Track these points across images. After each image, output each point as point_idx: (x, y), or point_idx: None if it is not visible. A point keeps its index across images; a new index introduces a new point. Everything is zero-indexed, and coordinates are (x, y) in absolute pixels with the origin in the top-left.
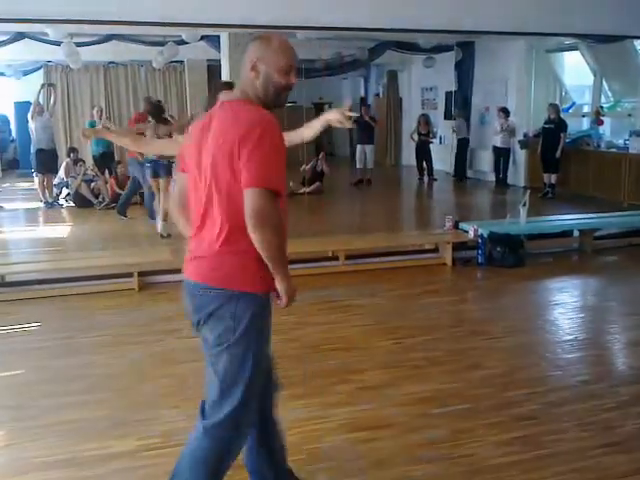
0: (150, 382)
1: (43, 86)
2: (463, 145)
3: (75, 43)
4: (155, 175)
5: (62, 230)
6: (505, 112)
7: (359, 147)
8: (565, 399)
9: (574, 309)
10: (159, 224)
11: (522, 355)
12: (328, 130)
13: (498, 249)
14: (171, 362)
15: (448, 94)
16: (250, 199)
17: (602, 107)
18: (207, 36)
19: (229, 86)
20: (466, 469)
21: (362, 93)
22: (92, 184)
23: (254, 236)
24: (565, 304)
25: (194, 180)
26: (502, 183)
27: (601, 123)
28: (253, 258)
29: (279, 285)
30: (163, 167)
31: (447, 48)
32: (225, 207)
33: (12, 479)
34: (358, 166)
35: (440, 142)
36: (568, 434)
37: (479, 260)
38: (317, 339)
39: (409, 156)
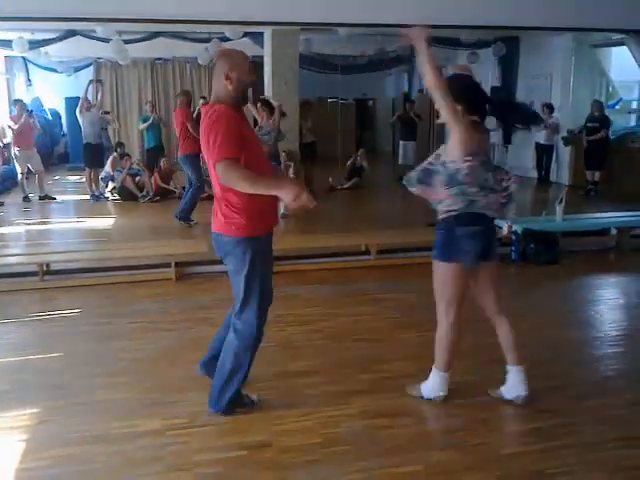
0: (180, 367)
1: (91, 82)
2: None
3: (123, 40)
4: None
5: (106, 222)
6: (549, 108)
7: (401, 143)
8: (585, 394)
9: (605, 307)
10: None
11: (547, 350)
12: (371, 126)
13: (532, 246)
14: (202, 348)
15: (492, 89)
16: (218, 172)
17: None
18: (251, 33)
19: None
20: (478, 457)
21: (406, 89)
22: (137, 178)
23: (236, 189)
24: (596, 301)
25: None
26: (544, 180)
27: None
28: (242, 212)
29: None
30: None
31: (490, 43)
32: (215, 178)
33: (50, 451)
34: (400, 162)
35: None
36: (583, 427)
37: (513, 257)
38: (344, 330)
39: None
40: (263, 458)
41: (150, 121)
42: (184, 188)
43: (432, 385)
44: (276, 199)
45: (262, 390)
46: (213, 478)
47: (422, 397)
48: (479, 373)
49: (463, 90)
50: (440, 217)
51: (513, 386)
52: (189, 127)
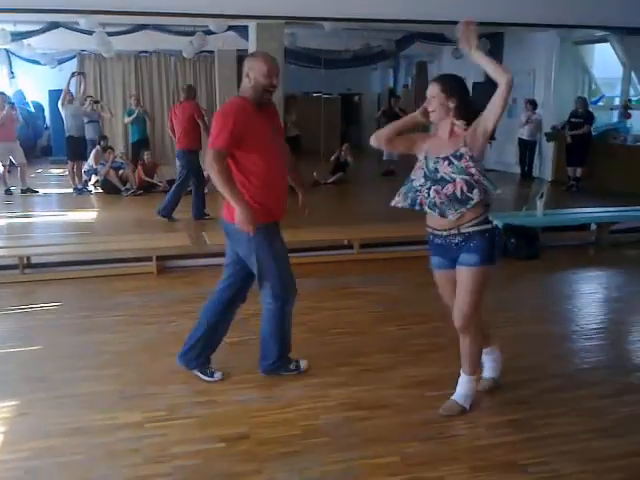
0: (161, 360)
1: (73, 74)
2: None
3: (107, 33)
4: None
5: (89, 215)
6: (532, 104)
7: None
8: (560, 386)
9: (583, 301)
10: None
11: (524, 343)
12: (356, 121)
13: (513, 241)
14: (182, 342)
15: (477, 85)
16: (206, 156)
17: (630, 100)
18: (235, 26)
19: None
20: (454, 448)
21: (391, 84)
22: (120, 171)
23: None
24: (575, 296)
25: None
26: (527, 176)
27: (629, 116)
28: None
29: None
30: None
31: None
32: None
33: (29, 443)
34: (385, 158)
35: None
36: (559, 419)
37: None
38: (326, 324)
39: None
40: (241, 450)
41: (135, 114)
42: (168, 182)
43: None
44: (281, 194)
45: (242, 383)
46: (191, 470)
47: (466, 409)
48: (456, 366)
49: (467, 93)
50: (479, 220)
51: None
52: (199, 121)
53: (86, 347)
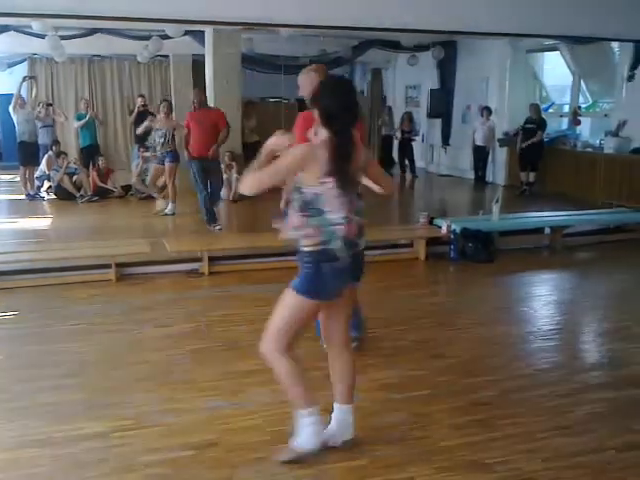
0: (124, 368)
1: (25, 79)
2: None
3: (59, 36)
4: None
5: (43, 222)
6: (486, 110)
7: None
8: (521, 386)
9: (539, 303)
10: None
11: (485, 345)
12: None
13: (470, 244)
14: (146, 350)
15: (432, 92)
16: None
17: (580, 107)
18: (191, 31)
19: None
20: (421, 449)
21: None
22: (74, 177)
23: None
24: (530, 298)
25: None
26: (481, 181)
27: (578, 123)
28: None
29: None
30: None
31: (430, 47)
32: None
33: None
34: None
35: (423, 140)
36: (520, 418)
37: (451, 255)
38: None
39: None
40: (211, 457)
41: (86, 119)
42: (123, 187)
43: (305, 435)
44: None
45: (208, 390)
46: (160, 479)
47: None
48: (420, 368)
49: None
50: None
51: (343, 428)
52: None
53: (47, 357)
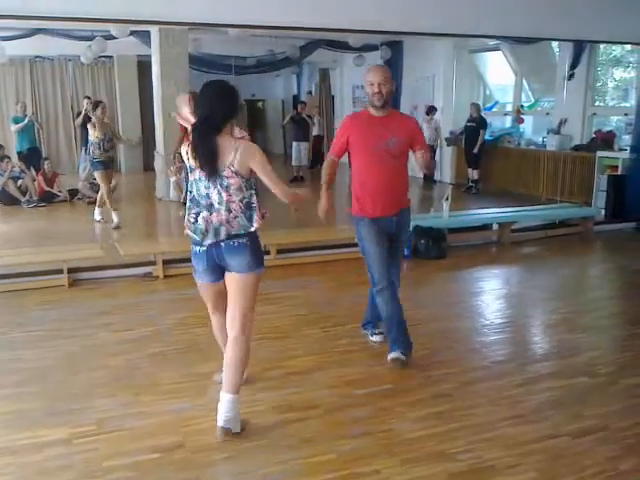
0: (84, 374)
1: None
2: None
3: None
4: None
5: None
6: (431, 110)
7: (295, 144)
8: (478, 378)
9: (491, 297)
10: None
11: (441, 339)
12: (261, 127)
13: (422, 242)
14: (105, 354)
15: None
16: None
17: (522, 106)
18: (137, 31)
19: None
20: (386, 442)
21: (295, 91)
22: (19, 182)
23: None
24: (482, 292)
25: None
26: (430, 179)
27: (521, 121)
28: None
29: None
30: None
31: (377, 47)
32: None
33: None
34: (294, 163)
35: None
36: (479, 409)
37: (405, 252)
38: None
39: None
40: (177, 459)
41: (25, 122)
42: (69, 191)
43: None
44: (370, 192)
45: (171, 393)
46: None
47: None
48: (380, 364)
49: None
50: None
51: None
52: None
53: (3, 364)
